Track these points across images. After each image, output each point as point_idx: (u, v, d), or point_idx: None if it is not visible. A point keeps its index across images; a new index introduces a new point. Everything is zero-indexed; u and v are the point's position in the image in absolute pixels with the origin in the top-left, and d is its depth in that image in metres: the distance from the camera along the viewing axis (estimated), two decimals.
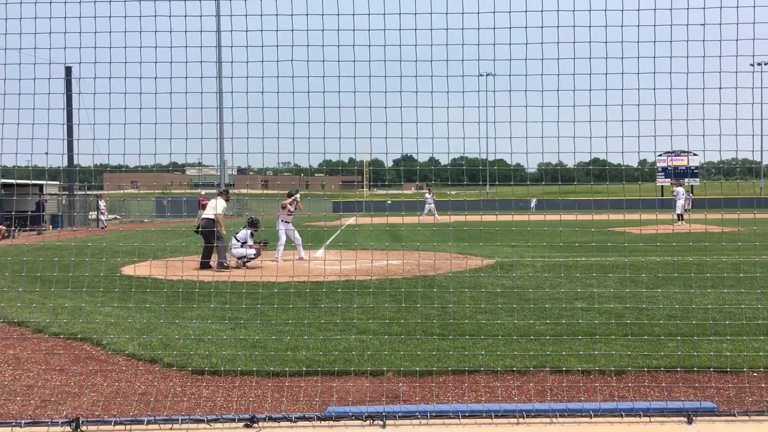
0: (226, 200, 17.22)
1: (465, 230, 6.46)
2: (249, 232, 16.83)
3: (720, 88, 5.47)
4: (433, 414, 4.37)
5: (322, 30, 5.34)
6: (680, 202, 30.41)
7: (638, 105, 5.45)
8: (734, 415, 4.29)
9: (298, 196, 18.27)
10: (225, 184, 17.65)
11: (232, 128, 5.62)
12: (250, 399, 5.87)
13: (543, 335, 7.86)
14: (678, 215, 29.15)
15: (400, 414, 4.39)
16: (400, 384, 6.35)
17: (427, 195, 41.22)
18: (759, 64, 5.94)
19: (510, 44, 5.46)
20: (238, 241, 16.57)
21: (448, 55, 5.42)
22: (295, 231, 18.18)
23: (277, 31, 5.34)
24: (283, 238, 18.18)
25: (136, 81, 5.51)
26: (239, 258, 16.45)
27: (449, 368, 6.65)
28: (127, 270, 14.71)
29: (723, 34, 5.39)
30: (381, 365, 6.76)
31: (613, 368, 6.65)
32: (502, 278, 12.76)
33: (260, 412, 5.13)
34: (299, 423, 4.40)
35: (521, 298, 10.13)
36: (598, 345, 7.47)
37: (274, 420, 4.41)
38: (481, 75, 6.26)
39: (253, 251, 16.58)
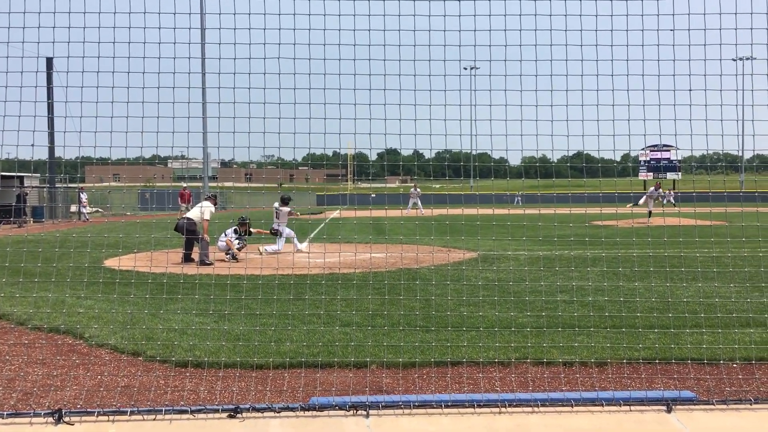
0: (214, 204, 17.25)
1: (447, 224, 6.51)
2: (234, 228, 16.87)
3: (705, 90, 5.55)
4: (417, 404, 4.41)
5: (309, 29, 5.35)
6: (645, 199, 30.22)
7: (624, 103, 5.50)
8: (713, 404, 4.37)
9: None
10: (212, 195, 17.60)
11: (218, 122, 5.61)
12: (234, 391, 5.88)
13: (525, 327, 7.93)
14: (650, 212, 29.12)
15: (383, 404, 4.43)
16: (384, 376, 6.39)
17: (412, 189, 41.44)
18: (741, 59, 6.01)
19: (506, 46, 5.49)
20: (226, 236, 16.60)
21: (430, 55, 5.46)
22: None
23: (264, 29, 5.35)
24: (286, 231, 18.47)
25: (123, 75, 5.50)
26: (225, 252, 16.47)
27: (432, 360, 6.70)
28: (111, 262, 14.63)
29: (707, 33, 5.46)
30: (365, 357, 6.79)
31: (594, 360, 6.73)
32: (485, 271, 12.83)
33: (244, 402, 5.14)
34: (283, 413, 4.42)
35: (503, 291, 10.20)
36: (579, 337, 7.56)
37: (258, 410, 4.43)
38: (465, 69, 6.30)
39: (236, 242, 16.60)
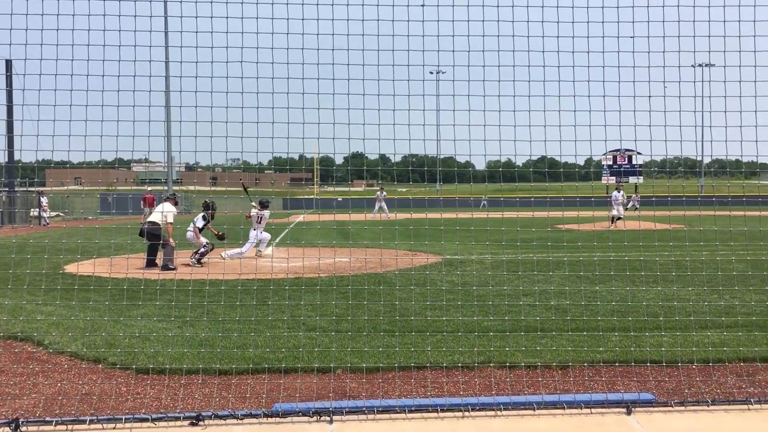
0: (174, 205, 17.01)
1: (411, 228, 6.52)
2: (201, 215, 16.74)
3: (665, 96, 5.66)
4: (380, 409, 4.40)
5: (272, 33, 5.33)
6: (615, 205, 30.66)
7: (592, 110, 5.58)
8: (671, 406, 4.44)
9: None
10: (171, 195, 17.34)
11: (180, 126, 5.54)
12: (197, 397, 5.81)
13: (489, 331, 7.98)
14: (614, 217, 29.50)
15: (347, 409, 4.42)
16: (349, 380, 6.38)
17: (378, 193, 41.48)
18: (700, 65, 6.13)
19: (497, 51, 5.52)
20: (194, 224, 16.49)
21: (394, 60, 5.47)
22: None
23: (227, 32, 5.31)
24: (264, 235, 18.31)
25: (82, 78, 5.42)
26: (194, 252, 16.32)
27: (397, 364, 6.70)
28: (70, 268, 14.36)
29: (666, 40, 5.56)
30: (329, 362, 6.77)
31: (556, 363, 6.80)
32: (450, 275, 12.88)
33: (207, 410, 5.09)
34: (246, 420, 4.38)
35: (467, 295, 10.26)
36: (542, 340, 7.63)
37: (220, 417, 4.39)
38: (431, 73, 6.33)
39: (205, 241, 16.44)
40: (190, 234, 16.56)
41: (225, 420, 4.42)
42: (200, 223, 16.58)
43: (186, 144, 5.58)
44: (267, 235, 18.42)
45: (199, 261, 16.08)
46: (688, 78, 5.80)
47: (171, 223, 15.66)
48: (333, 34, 5.34)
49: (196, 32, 5.34)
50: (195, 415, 4.50)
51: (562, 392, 5.34)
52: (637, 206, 43.67)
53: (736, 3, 5.58)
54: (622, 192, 31.77)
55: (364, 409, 4.40)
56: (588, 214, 11.66)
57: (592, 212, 6.60)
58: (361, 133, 5.63)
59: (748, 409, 4.36)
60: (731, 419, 4.24)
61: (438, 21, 5.39)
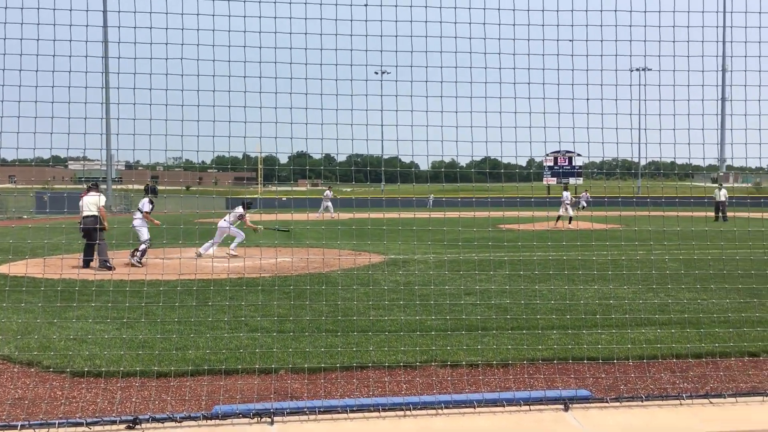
0: (97, 193, 16.65)
1: (353, 228, 6.52)
2: (147, 199, 16.49)
3: (602, 99, 5.78)
4: (322, 409, 4.38)
5: (213, 30, 5.24)
6: (565, 205, 31.44)
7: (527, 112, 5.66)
8: (607, 402, 4.55)
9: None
10: (93, 184, 16.95)
11: (118, 123, 5.40)
12: (136, 401, 5.68)
13: (431, 330, 8.04)
14: (567, 217, 30.15)
15: (288, 410, 4.38)
16: (291, 381, 6.33)
17: (326, 192, 41.42)
18: (637, 70, 6.30)
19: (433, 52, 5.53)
20: (142, 209, 16.21)
21: (337, 59, 5.46)
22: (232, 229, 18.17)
23: (166, 28, 5.20)
24: (240, 234, 18.08)
25: (14, 73, 5.23)
26: (134, 250, 16.00)
27: (339, 364, 6.69)
28: (1, 269, 13.87)
29: (604, 44, 5.69)
30: (272, 363, 6.71)
31: (497, 361, 6.89)
32: (393, 274, 12.93)
33: (144, 413, 4.97)
34: (184, 423, 4.30)
35: (411, 294, 10.31)
36: (484, 338, 7.73)
37: (158, 420, 4.29)
38: (375, 73, 6.33)
39: (146, 236, 16.14)
40: (138, 222, 16.31)
41: (163, 423, 4.33)
42: (148, 207, 16.37)
43: (125, 142, 5.44)
44: (242, 235, 18.23)
45: (140, 261, 15.76)
46: (625, 81, 5.95)
47: (103, 206, 15.45)
48: (275, 32, 5.29)
49: (135, 27, 5.21)
50: (132, 418, 4.40)
51: (503, 390, 5.41)
52: (585, 205, 44.70)
53: (671, 8, 5.75)
54: (568, 192, 32.56)
55: (305, 409, 4.37)
56: (528, 215, 11.84)
57: (532, 212, 6.70)
58: (306, 132, 5.59)
59: (680, 404, 4.50)
60: (664, 414, 4.37)
61: (381, 21, 5.39)
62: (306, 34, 5.31)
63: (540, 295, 10.10)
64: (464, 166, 7.35)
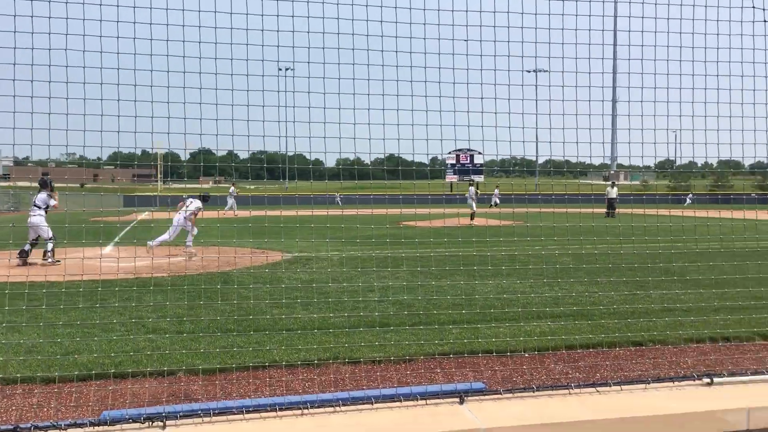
0: None
1: (250, 225, 6.43)
2: (47, 194, 15.81)
3: (496, 98, 5.91)
4: (217, 411, 4.29)
5: (117, 21, 5.03)
6: (470, 201, 32.24)
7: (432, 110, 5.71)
8: (500, 393, 4.67)
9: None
10: None
11: (14, 117, 5.09)
12: (23, 408, 5.41)
13: (337, 327, 8.04)
14: (471, 214, 30.85)
15: (182, 413, 4.27)
16: (189, 383, 6.19)
17: (231, 189, 40.93)
18: (534, 71, 6.47)
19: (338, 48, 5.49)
20: (38, 207, 15.50)
21: (248, 54, 5.35)
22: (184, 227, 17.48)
23: (67, 18, 4.95)
24: (177, 226, 17.38)
25: None
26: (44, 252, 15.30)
27: (239, 364, 6.60)
28: None
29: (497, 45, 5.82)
30: (169, 365, 6.55)
31: (399, 356, 6.97)
32: (296, 272, 12.85)
33: (26, 421, 4.74)
34: (70, 431, 4.12)
35: (317, 292, 10.28)
36: (387, 335, 7.80)
37: (40, 429, 4.09)
38: (281, 69, 6.25)
39: (49, 234, 15.44)
40: (35, 219, 15.61)
41: (46, 431, 4.13)
42: (50, 202, 15.67)
43: (16, 136, 5.12)
44: (195, 230, 17.61)
45: (51, 257, 15.12)
46: (518, 82, 6.10)
47: None
48: (166, 24, 5.12)
49: (31, 16, 4.93)
50: (12, 427, 4.17)
51: (404, 385, 5.48)
52: (497, 202, 45.89)
53: (560, 11, 5.93)
54: (473, 188, 33.39)
55: (199, 411, 4.27)
56: (425, 212, 12.00)
57: (428, 210, 6.83)
58: (212, 128, 5.43)
59: (569, 394, 4.68)
60: (554, 403, 4.53)
61: (278, 16, 5.33)
62: (200, 27, 5.18)
63: (439, 291, 10.28)
64: (368, 163, 7.38)
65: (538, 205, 7.21)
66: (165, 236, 17.00)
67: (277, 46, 5.53)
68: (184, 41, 5.23)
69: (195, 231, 17.60)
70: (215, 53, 5.30)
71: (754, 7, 5.58)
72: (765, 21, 5.53)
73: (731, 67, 5.90)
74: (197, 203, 17.58)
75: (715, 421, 4.46)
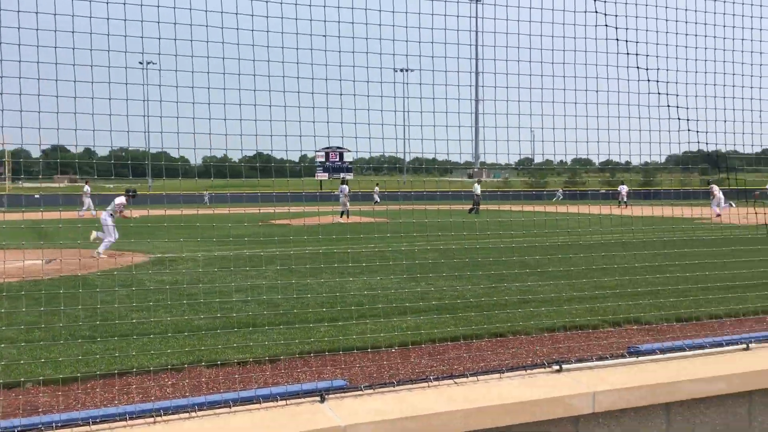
0: None
1: (123, 225, 6.11)
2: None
3: (368, 96, 5.93)
4: (60, 423, 4.04)
5: None
6: (342, 199, 32.34)
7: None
8: (361, 390, 4.68)
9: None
10: None
11: None
12: None
13: (200, 330, 7.84)
14: (341, 212, 30.94)
15: (19, 428, 3.99)
16: (41, 395, 5.83)
17: (86, 188, 39.20)
18: (403, 70, 6.54)
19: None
20: None
21: (92, 45, 5.06)
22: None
23: None
24: (113, 231, 16.19)
25: None
26: None
27: (98, 372, 6.29)
28: None
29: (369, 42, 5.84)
30: (18, 376, 6.14)
31: (267, 357, 6.88)
32: (159, 274, 12.41)
33: None
34: None
35: (178, 294, 9.97)
36: (254, 335, 7.68)
37: None
38: (140, 63, 5.97)
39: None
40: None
41: None
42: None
43: None
44: (117, 234, 16.39)
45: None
46: (389, 79, 6.15)
47: None
48: (17, 11, 4.78)
49: None
50: None
51: (259, 387, 5.39)
52: (377, 200, 46.29)
53: (429, 11, 6.03)
54: (346, 186, 33.52)
55: (40, 425, 4.00)
56: (314, 209, 11.98)
57: (318, 207, 6.77)
58: (70, 123, 5.09)
59: (428, 386, 4.77)
60: (413, 397, 4.61)
61: (141, 5, 5.09)
62: (55, 15, 4.86)
63: (310, 289, 10.24)
64: (236, 161, 7.22)
65: (411, 202, 7.32)
66: (109, 239, 16.14)
67: (141, 38, 5.31)
68: (37, 29, 4.88)
69: (116, 235, 16.67)
70: (73, 43, 5.00)
71: (596, 11, 5.90)
72: (606, 25, 5.85)
73: (587, 70, 6.19)
74: (120, 199, 16.76)
75: (563, 406, 4.69)
